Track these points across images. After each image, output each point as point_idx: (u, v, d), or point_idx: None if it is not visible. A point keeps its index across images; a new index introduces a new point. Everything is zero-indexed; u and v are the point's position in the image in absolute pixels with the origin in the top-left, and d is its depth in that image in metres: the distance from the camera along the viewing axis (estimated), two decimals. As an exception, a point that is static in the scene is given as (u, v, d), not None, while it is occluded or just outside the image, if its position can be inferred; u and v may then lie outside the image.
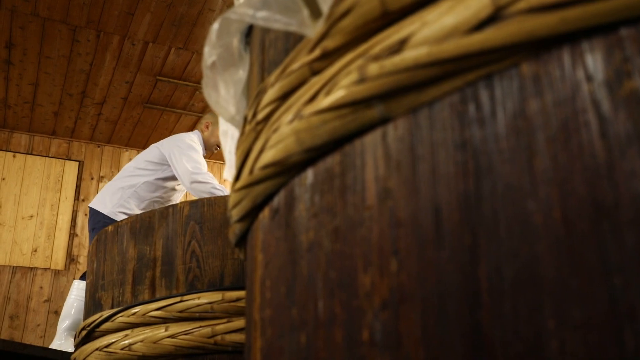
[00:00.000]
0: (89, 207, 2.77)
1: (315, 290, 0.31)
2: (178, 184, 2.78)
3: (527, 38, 0.24)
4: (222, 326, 0.90)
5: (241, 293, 0.92)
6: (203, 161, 2.65)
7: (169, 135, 4.89)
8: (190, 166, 2.56)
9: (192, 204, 1.03)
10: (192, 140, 2.71)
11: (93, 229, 2.68)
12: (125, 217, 2.69)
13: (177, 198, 2.89)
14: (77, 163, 5.06)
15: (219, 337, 0.89)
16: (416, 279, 0.26)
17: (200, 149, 2.72)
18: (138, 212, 2.71)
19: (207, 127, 2.88)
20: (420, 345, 0.25)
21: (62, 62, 3.85)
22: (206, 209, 1.00)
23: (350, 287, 0.29)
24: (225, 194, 2.57)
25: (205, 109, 4.49)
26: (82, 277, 2.55)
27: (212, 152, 2.92)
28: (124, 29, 3.52)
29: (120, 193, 2.71)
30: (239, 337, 0.89)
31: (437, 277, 0.25)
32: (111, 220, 2.67)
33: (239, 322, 0.90)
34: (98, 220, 2.68)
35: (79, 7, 3.32)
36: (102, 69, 3.94)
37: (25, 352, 1.43)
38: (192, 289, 0.97)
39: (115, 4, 3.30)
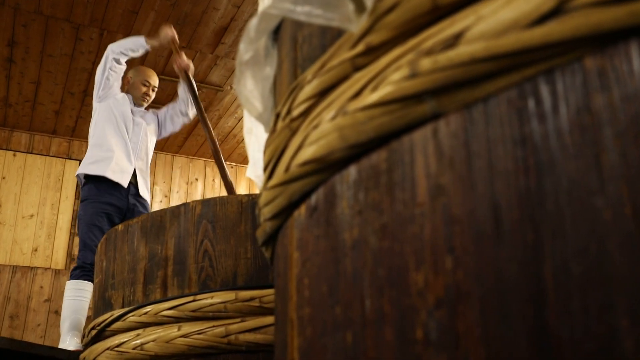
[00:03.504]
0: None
1: (362, 289, 0.30)
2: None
3: (593, 32, 0.23)
4: (235, 326, 0.90)
5: (255, 292, 0.91)
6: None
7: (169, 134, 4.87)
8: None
9: (204, 202, 1.03)
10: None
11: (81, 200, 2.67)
12: (91, 162, 2.65)
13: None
14: (78, 162, 5.05)
15: (232, 337, 0.89)
16: (474, 277, 0.25)
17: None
18: (100, 153, 2.66)
19: (127, 82, 2.87)
20: (480, 344, 0.24)
21: (64, 61, 3.84)
22: (219, 208, 1.00)
23: (400, 285, 0.28)
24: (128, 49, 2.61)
25: (206, 108, 4.48)
26: (72, 277, 2.53)
27: (141, 104, 2.87)
28: (128, 27, 3.51)
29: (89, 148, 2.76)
30: (253, 337, 0.89)
31: (497, 275, 0.24)
32: (83, 176, 2.64)
33: (253, 322, 0.90)
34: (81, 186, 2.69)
35: (82, 6, 3.31)
36: (105, 68, 3.92)
37: (33, 351, 1.42)
38: (205, 288, 0.96)
39: (119, 3, 3.29)
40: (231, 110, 4.52)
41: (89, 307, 2.62)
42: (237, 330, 0.89)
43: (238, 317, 0.91)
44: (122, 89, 2.88)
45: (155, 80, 2.92)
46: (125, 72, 2.81)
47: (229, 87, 4.22)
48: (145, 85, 2.86)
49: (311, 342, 0.34)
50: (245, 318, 0.90)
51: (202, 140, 4.95)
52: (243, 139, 4.95)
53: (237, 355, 0.89)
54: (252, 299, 0.90)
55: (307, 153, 0.35)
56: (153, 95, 2.92)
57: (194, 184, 5.36)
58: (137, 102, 2.87)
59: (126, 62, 2.72)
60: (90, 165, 2.64)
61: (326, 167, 0.34)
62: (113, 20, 3.45)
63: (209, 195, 5.35)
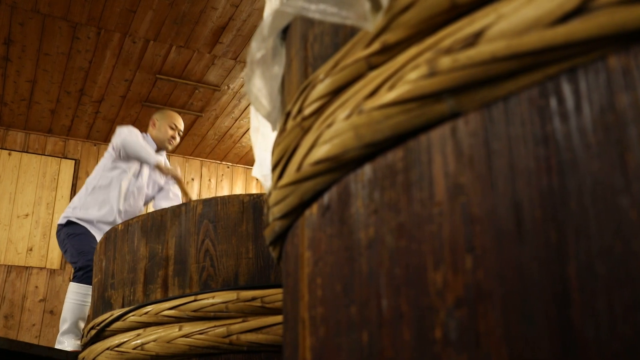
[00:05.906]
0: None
1: (378, 288, 0.30)
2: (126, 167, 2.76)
3: (617, 30, 0.23)
4: (237, 326, 0.89)
5: (257, 292, 0.91)
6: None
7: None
8: (124, 132, 2.65)
9: (206, 202, 1.02)
10: (132, 130, 2.76)
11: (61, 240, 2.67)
12: (69, 218, 2.65)
13: (136, 190, 2.80)
14: (73, 162, 5.03)
15: (234, 337, 0.89)
16: (495, 277, 0.25)
17: (139, 138, 2.73)
18: (89, 212, 2.67)
19: (153, 124, 2.87)
20: (502, 344, 0.24)
21: (61, 60, 3.83)
22: (220, 207, 0.99)
23: (418, 285, 0.28)
24: (149, 153, 2.60)
25: (203, 108, 4.47)
26: (74, 279, 2.53)
27: (167, 148, 2.89)
28: (125, 26, 3.50)
29: (77, 198, 2.74)
30: (254, 337, 0.88)
31: (519, 275, 0.24)
32: (60, 226, 2.66)
33: (255, 322, 0.89)
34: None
35: (80, 4, 3.30)
36: (102, 66, 3.91)
37: (31, 351, 1.41)
38: (206, 288, 0.96)
39: (117, 1, 3.28)
40: (228, 110, 4.50)
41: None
42: (238, 330, 0.89)
43: (239, 317, 0.90)
44: (147, 131, 2.89)
45: (181, 124, 2.91)
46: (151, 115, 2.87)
47: (226, 87, 4.21)
48: (172, 129, 2.86)
49: (324, 342, 0.34)
50: (247, 318, 0.90)
51: (199, 140, 4.94)
52: (240, 139, 4.94)
53: (238, 356, 0.89)
54: (253, 298, 0.90)
55: (321, 152, 0.35)
56: (178, 138, 2.92)
57: (190, 184, 5.34)
58: (160, 146, 2.86)
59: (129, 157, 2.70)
60: (77, 211, 2.65)
61: (340, 166, 0.34)
62: (110, 19, 3.44)
63: (205, 195, 5.34)
